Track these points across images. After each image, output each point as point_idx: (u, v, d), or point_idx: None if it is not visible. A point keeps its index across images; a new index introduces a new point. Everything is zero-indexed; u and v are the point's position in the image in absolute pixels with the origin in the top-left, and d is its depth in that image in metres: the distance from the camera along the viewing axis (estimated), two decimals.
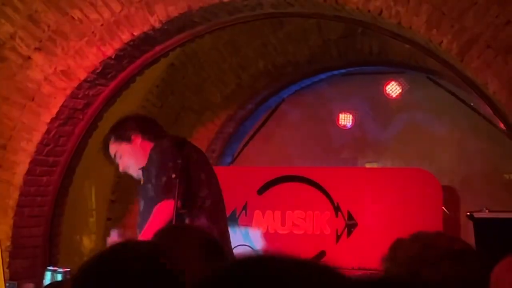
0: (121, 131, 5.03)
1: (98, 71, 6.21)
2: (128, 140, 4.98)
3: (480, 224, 6.37)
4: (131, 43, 6.10)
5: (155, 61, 6.60)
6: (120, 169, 5.13)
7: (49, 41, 6.18)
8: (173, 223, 4.53)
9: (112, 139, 5.07)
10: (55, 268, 5.00)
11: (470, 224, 6.79)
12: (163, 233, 2.94)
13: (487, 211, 6.52)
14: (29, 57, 6.22)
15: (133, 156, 4.97)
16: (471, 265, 2.46)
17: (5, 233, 6.31)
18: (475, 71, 5.29)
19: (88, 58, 6.15)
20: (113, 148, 5.09)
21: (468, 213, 6.42)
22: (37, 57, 6.21)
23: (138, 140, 4.96)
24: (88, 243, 8.39)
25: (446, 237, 2.64)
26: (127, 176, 8.83)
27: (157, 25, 5.97)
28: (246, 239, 7.91)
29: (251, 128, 9.83)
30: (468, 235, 6.90)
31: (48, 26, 6.17)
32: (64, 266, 5.46)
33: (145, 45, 6.24)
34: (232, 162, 9.75)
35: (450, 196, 8.38)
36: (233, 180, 7.62)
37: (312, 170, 8.21)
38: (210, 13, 5.99)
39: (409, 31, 5.46)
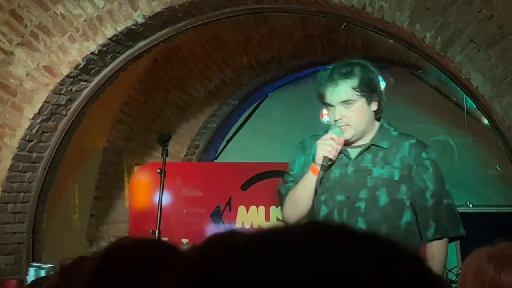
0: None
1: (81, 66, 6.19)
2: None
3: (463, 219, 6.38)
4: (115, 38, 6.08)
5: (138, 56, 6.59)
6: None
7: (32, 37, 6.15)
8: None
9: None
10: (39, 264, 4.99)
11: None
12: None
13: (471, 205, 6.55)
14: (12, 53, 6.18)
15: None
16: None
17: None
18: (458, 65, 5.31)
19: (71, 54, 6.13)
20: None
21: None
22: (20, 53, 6.18)
23: None
24: (71, 240, 8.37)
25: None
26: (110, 173, 8.85)
27: (141, 20, 5.96)
28: None
29: (235, 124, 9.83)
30: None
31: (31, 21, 6.14)
32: (47, 262, 5.44)
33: (128, 40, 6.23)
34: (215, 158, 9.75)
35: None
36: (217, 175, 7.62)
37: None
38: (193, 8, 5.98)
39: (393, 26, 5.47)
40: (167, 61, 8.73)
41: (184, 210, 7.18)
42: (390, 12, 5.35)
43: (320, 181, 3.90)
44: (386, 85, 9.42)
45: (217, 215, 7.60)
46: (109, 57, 6.32)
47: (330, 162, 3.93)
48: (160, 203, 4.53)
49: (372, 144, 4.00)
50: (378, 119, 4.06)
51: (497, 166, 8.84)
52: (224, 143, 9.82)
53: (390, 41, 6.39)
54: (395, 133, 4.05)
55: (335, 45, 8.70)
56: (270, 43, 8.74)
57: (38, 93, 6.20)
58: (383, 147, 3.99)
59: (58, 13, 6.08)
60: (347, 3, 5.43)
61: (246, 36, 8.65)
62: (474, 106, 6.44)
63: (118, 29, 6.02)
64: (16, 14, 6.14)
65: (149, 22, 6.01)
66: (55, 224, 7.51)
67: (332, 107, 3.96)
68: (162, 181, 4.74)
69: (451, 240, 4.07)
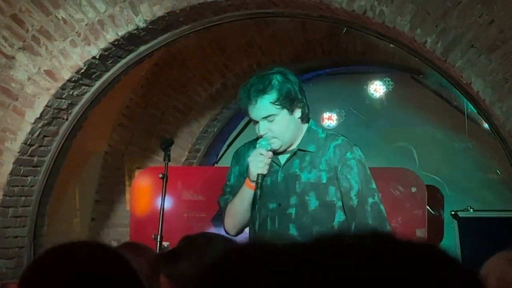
0: None
1: (82, 71, 6.20)
2: None
3: (464, 223, 6.40)
4: (116, 43, 6.09)
5: (140, 60, 6.59)
6: None
7: (33, 41, 6.16)
8: None
9: None
10: None
11: (454, 223, 6.82)
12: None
13: (471, 210, 6.55)
14: (13, 57, 6.19)
15: None
16: None
17: None
18: (459, 70, 5.32)
19: (73, 58, 6.14)
20: None
21: (453, 212, 6.45)
22: (21, 57, 6.19)
23: None
24: None
25: None
26: (111, 177, 8.85)
27: (142, 24, 5.97)
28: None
29: (236, 128, 9.83)
30: (452, 234, 6.93)
31: (32, 26, 6.15)
32: None
33: (130, 45, 6.24)
34: (216, 162, 9.75)
35: (434, 195, 8.40)
36: (218, 179, 7.60)
37: None
38: (195, 13, 5.99)
39: (393, 31, 5.48)
40: (168, 65, 8.74)
41: (185, 215, 7.17)
42: (391, 16, 5.36)
43: (258, 196, 4.00)
44: (386, 89, 9.47)
45: (218, 220, 7.58)
46: (111, 61, 6.33)
47: (264, 177, 4.01)
48: (162, 208, 4.53)
49: (299, 149, 4.07)
50: (307, 121, 4.11)
51: (497, 171, 8.85)
52: (225, 147, 9.82)
53: (391, 45, 6.40)
54: (322, 135, 4.10)
55: (336, 50, 8.71)
56: (271, 47, 8.74)
57: (40, 97, 6.21)
58: (310, 151, 4.05)
59: (60, 17, 6.09)
60: (348, 8, 5.44)
61: (247, 40, 8.65)
62: (475, 111, 6.44)
63: (120, 33, 6.02)
64: (17, 18, 6.15)
65: (150, 26, 6.02)
66: (56, 228, 7.51)
67: (257, 122, 4.03)
68: (164, 186, 4.74)
69: None
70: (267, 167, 3.98)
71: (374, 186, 4.07)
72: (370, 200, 4.01)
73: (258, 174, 3.96)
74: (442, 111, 8.87)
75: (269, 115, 3.97)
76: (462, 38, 5.26)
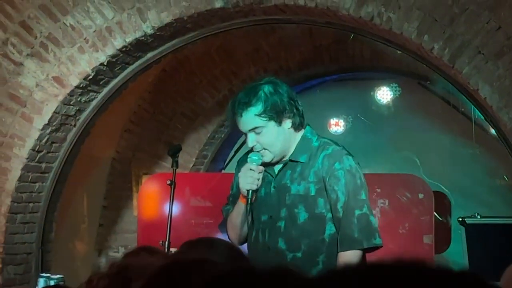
0: None
1: (90, 77, 6.21)
2: None
3: (471, 230, 6.39)
4: (124, 49, 6.11)
5: (147, 67, 6.61)
6: None
7: (42, 48, 6.18)
8: None
9: None
10: (49, 275, 5.00)
11: (462, 230, 6.82)
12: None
13: (479, 216, 6.55)
14: (21, 64, 6.21)
15: None
16: None
17: None
18: (466, 77, 5.32)
19: (81, 65, 6.15)
20: None
21: (460, 219, 6.45)
22: (29, 64, 6.21)
23: None
24: (80, 249, 8.39)
25: None
26: (119, 183, 8.87)
27: (150, 31, 5.98)
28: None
29: (243, 134, 9.83)
30: (459, 240, 6.93)
31: (40, 33, 6.17)
32: (57, 273, 5.45)
33: (137, 51, 6.25)
34: (224, 168, 9.76)
35: (441, 201, 8.39)
36: (225, 186, 7.61)
37: None
38: (202, 20, 6.00)
39: (401, 37, 5.49)
40: (175, 72, 8.75)
41: (193, 221, 7.18)
42: (398, 23, 5.37)
43: (250, 212, 3.95)
44: (393, 95, 9.46)
45: (225, 226, 7.58)
46: (118, 68, 6.34)
47: (255, 193, 3.96)
48: (170, 214, 4.53)
49: (290, 160, 4.01)
50: (302, 128, 4.06)
51: (505, 177, 8.84)
52: (232, 153, 9.83)
53: (398, 52, 6.40)
54: (316, 144, 4.03)
55: (343, 56, 8.72)
56: (278, 53, 8.76)
57: (48, 103, 6.23)
58: (301, 162, 3.99)
59: (68, 24, 6.11)
60: (355, 15, 5.45)
61: (254, 46, 8.67)
62: (482, 117, 6.44)
63: (127, 40, 6.04)
64: (26, 25, 6.18)
65: (158, 33, 6.03)
66: (64, 234, 7.53)
67: (246, 134, 4.02)
68: (172, 192, 4.74)
69: (367, 250, 3.98)
70: (257, 182, 3.92)
71: (363, 196, 3.96)
72: (357, 212, 3.91)
73: (247, 190, 3.91)
74: (449, 117, 8.87)
75: (256, 127, 3.93)
76: (469, 45, 5.27)
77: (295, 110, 3.99)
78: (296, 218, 3.95)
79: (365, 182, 4.01)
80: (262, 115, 3.91)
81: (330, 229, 3.95)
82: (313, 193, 3.95)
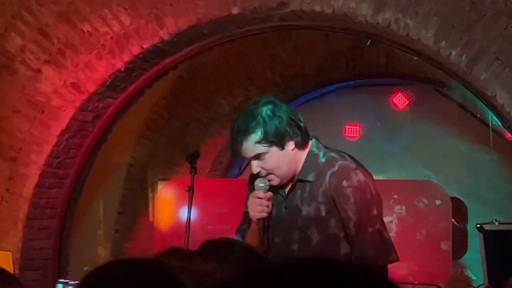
0: None
1: (107, 83, 6.23)
2: None
3: (489, 236, 6.35)
4: (141, 55, 6.12)
5: (164, 73, 6.62)
6: None
7: (59, 54, 6.20)
8: None
9: None
10: (67, 281, 5.00)
11: (479, 236, 6.78)
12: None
13: (497, 223, 6.51)
14: (39, 70, 6.24)
15: None
16: None
17: (15, 246, 6.32)
18: (484, 83, 5.30)
19: (98, 71, 6.17)
20: None
21: (478, 225, 6.41)
22: (47, 70, 6.23)
23: None
24: (97, 255, 8.40)
25: None
26: (135, 189, 8.88)
27: (167, 37, 5.99)
28: None
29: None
30: (477, 247, 6.89)
31: (58, 39, 6.20)
32: (74, 279, 5.46)
33: (154, 57, 6.26)
34: (240, 174, 9.76)
35: (459, 207, 8.37)
36: (241, 192, 7.61)
37: None
38: (219, 26, 6.01)
39: (418, 44, 5.47)
40: (192, 78, 8.77)
41: (209, 227, 7.20)
42: (416, 29, 5.35)
43: (263, 238, 3.82)
44: (410, 101, 9.43)
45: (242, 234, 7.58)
46: (135, 74, 6.36)
47: (266, 220, 3.84)
48: (188, 221, 4.53)
49: (298, 180, 3.87)
50: (307, 146, 3.88)
51: None
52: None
53: (415, 58, 6.39)
54: (323, 160, 3.86)
55: (359, 62, 8.71)
56: (294, 59, 8.76)
57: (65, 110, 6.25)
58: (309, 181, 3.85)
59: (85, 30, 6.13)
60: (373, 21, 5.44)
61: (270, 52, 8.67)
62: (500, 123, 6.42)
63: (144, 46, 6.05)
64: (43, 32, 6.20)
65: (175, 39, 6.04)
66: (80, 240, 7.55)
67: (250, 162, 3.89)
68: (190, 198, 4.73)
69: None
70: (267, 209, 3.81)
71: (375, 212, 3.82)
72: (370, 229, 3.78)
73: (257, 219, 3.81)
74: (466, 124, 8.84)
75: (257, 154, 3.78)
76: (487, 51, 5.24)
77: (297, 130, 3.82)
78: (310, 241, 3.84)
79: (377, 193, 3.87)
80: (263, 142, 3.75)
81: (345, 248, 3.83)
82: (323, 214, 3.82)
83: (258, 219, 3.80)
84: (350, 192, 3.77)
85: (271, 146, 3.76)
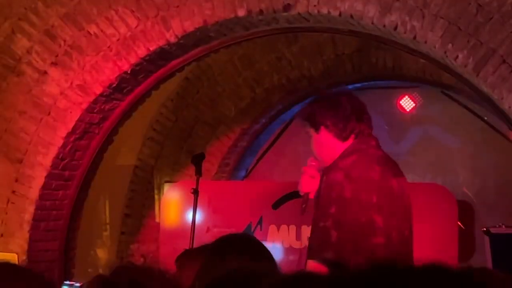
0: None
1: (114, 85, 6.23)
2: None
3: (496, 240, 6.35)
4: (147, 57, 6.12)
5: (170, 75, 6.62)
6: None
7: (66, 56, 6.21)
8: None
9: None
10: (72, 283, 5.01)
11: (486, 239, 6.77)
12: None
13: (503, 226, 6.51)
14: (45, 72, 6.24)
15: None
16: None
17: (21, 247, 6.32)
18: (490, 86, 5.28)
19: (104, 73, 6.17)
20: None
21: (485, 229, 6.41)
22: (53, 72, 6.24)
23: None
24: (102, 257, 8.41)
25: None
26: (141, 190, 8.89)
27: (173, 40, 5.99)
28: None
29: (265, 142, 9.84)
30: (484, 250, 6.88)
31: (64, 41, 6.20)
32: (79, 281, 5.46)
33: (161, 59, 6.26)
34: (246, 176, 9.75)
35: (465, 210, 8.35)
36: (247, 194, 7.61)
37: None
38: (225, 28, 6.01)
39: (425, 46, 5.46)
40: (198, 80, 8.77)
41: (215, 229, 7.19)
42: (422, 32, 5.34)
43: (303, 210, 4.13)
44: (417, 104, 9.41)
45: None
46: (142, 76, 6.36)
47: (308, 196, 4.12)
48: (193, 222, 4.53)
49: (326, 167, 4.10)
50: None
51: None
52: (254, 161, 9.83)
53: (422, 60, 6.37)
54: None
55: (366, 64, 8.69)
56: (300, 62, 8.75)
57: (71, 111, 6.25)
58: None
59: (92, 32, 6.13)
60: (379, 23, 5.43)
61: (277, 55, 8.67)
62: (507, 126, 6.39)
63: (151, 48, 6.05)
64: (50, 33, 6.21)
65: (181, 41, 6.04)
66: (86, 242, 7.55)
67: None
68: (195, 200, 4.73)
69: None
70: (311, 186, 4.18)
71: (333, 210, 3.90)
72: (320, 224, 3.92)
73: (304, 193, 4.18)
74: (472, 126, 8.82)
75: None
76: (494, 54, 5.23)
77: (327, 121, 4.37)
78: (316, 225, 3.98)
79: (353, 196, 3.89)
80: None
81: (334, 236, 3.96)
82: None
83: (304, 193, 4.13)
84: (324, 187, 3.97)
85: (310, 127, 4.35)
